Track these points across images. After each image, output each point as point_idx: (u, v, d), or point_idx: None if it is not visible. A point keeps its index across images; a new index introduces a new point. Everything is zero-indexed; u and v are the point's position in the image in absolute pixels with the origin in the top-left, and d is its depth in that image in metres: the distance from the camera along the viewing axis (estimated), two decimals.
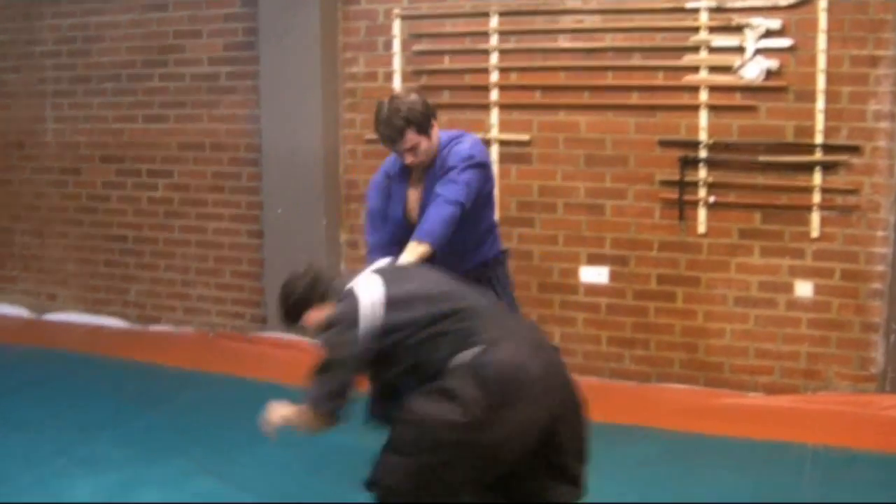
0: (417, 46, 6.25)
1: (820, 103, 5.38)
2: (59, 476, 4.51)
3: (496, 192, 5.89)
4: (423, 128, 4.07)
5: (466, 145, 4.17)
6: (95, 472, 4.55)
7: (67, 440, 4.96)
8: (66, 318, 7.55)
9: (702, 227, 5.70)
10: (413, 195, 4.26)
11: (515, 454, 3.29)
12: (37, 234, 7.75)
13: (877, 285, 5.45)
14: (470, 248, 4.28)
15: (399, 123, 4.03)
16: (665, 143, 5.72)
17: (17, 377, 6.13)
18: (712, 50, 5.58)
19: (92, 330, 7.25)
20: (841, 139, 5.40)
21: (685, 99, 5.65)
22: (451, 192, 4.05)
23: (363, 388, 3.62)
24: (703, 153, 5.63)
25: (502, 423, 3.19)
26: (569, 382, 3.44)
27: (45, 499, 4.26)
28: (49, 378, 6.09)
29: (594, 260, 5.96)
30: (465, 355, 3.26)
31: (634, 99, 5.75)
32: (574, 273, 6.01)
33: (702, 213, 5.69)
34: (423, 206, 4.16)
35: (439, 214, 4.02)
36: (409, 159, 4.15)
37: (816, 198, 5.46)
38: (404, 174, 4.27)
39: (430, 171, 4.20)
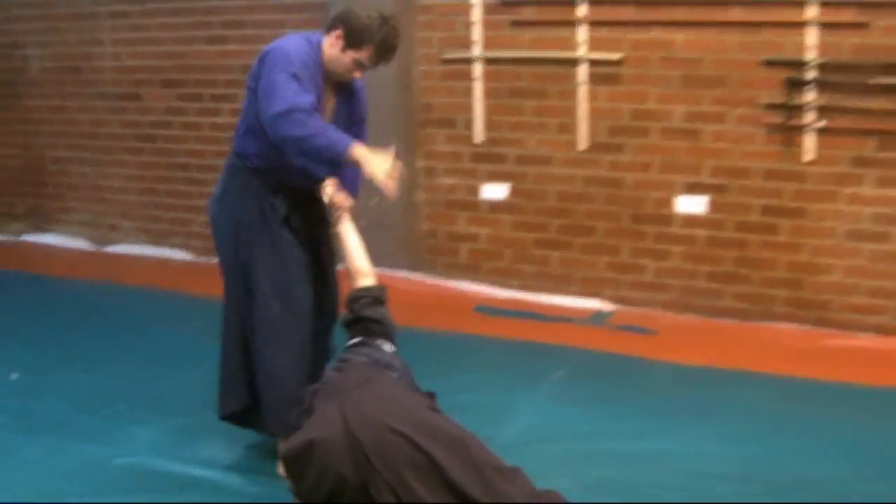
0: None
1: None
2: (118, 420, 4.48)
3: (584, 115, 5.74)
4: None
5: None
6: (157, 416, 4.51)
7: (129, 382, 4.94)
8: (128, 251, 7.58)
9: (809, 154, 5.47)
10: (325, 114, 3.89)
11: None
12: (96, 163, 7.76)
13: None
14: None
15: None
16: (770, 63, 5.50)
17: (77, 312, 6.17)
18: None
19: (155, 263, 7.17)
20: None
21: (792, 14, 5.41)
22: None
23: None
24: (811, 74, 5.40)
25: None
26: None
27: (105, 445, 4.21)
28: (110, 313, 6.11)
29: (691, 189, 5.79)
30: None
31: (736, 14, 5.54)
32: (669, 203, 5.85)
33: (809, 139, 5.47)
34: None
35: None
36: (357, 75, 3.84)
37: None
38: (315, 84, 3.76)
39: (343, 90, 3.94)
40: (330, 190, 3.88)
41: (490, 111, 6.19)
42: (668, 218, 5.85)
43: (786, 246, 5.59)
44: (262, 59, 3.72)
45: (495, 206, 6.29)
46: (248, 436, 4.18)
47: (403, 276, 6.42)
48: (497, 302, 6.09)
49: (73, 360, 5.22)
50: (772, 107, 5.48)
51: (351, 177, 4.04)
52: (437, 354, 5.30)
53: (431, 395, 3.53)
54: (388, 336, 3.72)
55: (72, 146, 7.77)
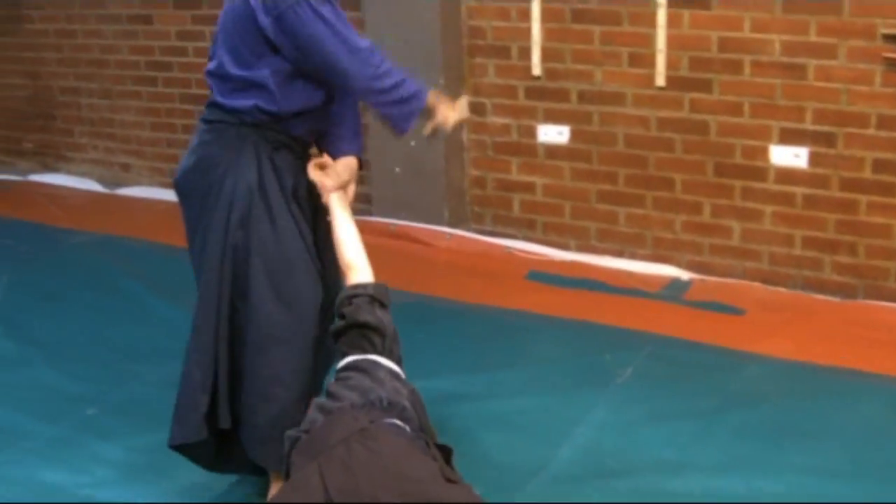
0: None
1: None
2: (84, 433, 3.72)
3: (663, 44, 4.91)
4: None
5: None
6: (130, 428, 3.73)
7: (107, 376, 4.19)
8: (141, 194, 6.85)
9: None
10: None
11: None
12: (105, 94, 7.02)
13: None
14: None
15: None
16: None
17: (70, 277, 5.38)
18: None
19: (167, 210, 6.30)
20: None
21: None
22: None
23: None
24: None
25: None
26: None
27: (63, 469, 3.48)
28: (107, 279, 5.28)
29: (790, 137, 4.83)
30: None
31: None
32: (763, 153, 4.91)
33: None
34: None
35: None
36: None
37: None
38: None
39: None
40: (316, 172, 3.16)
41: (550, 37, 5.26)
42: (760, 171, 4.90)
43: None
44: None
45: (554, 151, 5.40)
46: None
47: (444, 231, 5.58)
48: (554, 266, 5.22)
49: (48, 343, 4.47)
50: (894, 39, 4.48)
51: (347, 135, 3.29)
52: (479, 340, 4.48)
53: (446, 452, 2.65)
54: (390, 352, 2.85)
55: (80, 75, 7.02)
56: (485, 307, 4.80)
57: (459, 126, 3.38)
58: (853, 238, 4.78)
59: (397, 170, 5.68)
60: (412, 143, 5.56)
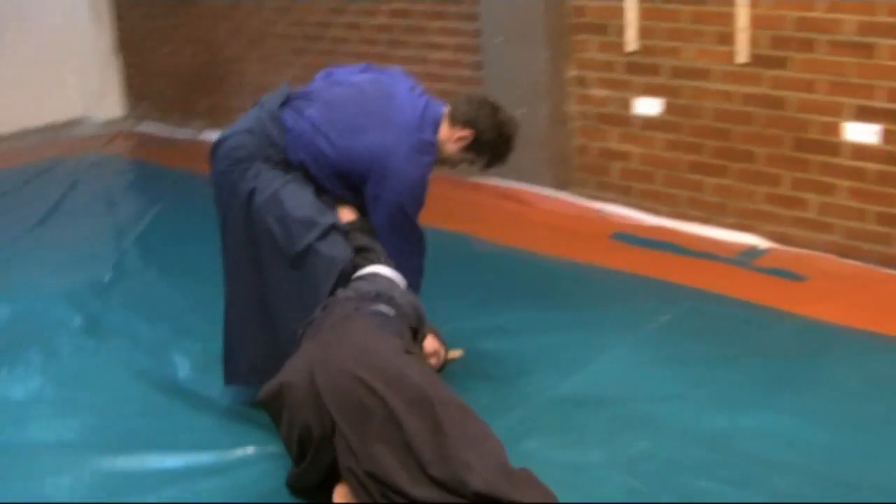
0: None
1: None
2: (178, 334, 4.49)
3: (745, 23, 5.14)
4: None
5: None
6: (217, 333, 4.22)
7: (211, 292, 4.65)
8: None
9: None
10: None
11: None
12: (266, 61, 7.62)
13: None
14: None
15: None
16: None
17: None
18: None
19: None
20: None
21: None
22: None
23: None
24: None
25: None
26: None
27: (153, 357, 4.27)
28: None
29: (863, 114, 4.93)
30: None
31: None
32: (837, 129, 5.03)
33: None
34: None
35: None
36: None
37: None
38: None
39: None
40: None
41: (644, 16, 5.54)
42: (835, 146, 5.02)
43: None
44: (384, 176, 3.63)
45: (649, 123, 5.67)
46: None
47: (547, 194, 5.98)
48: (639, 229, 5.51)
49: (174, 266, 5.29)
50: None
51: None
52: (545, 287, 4.92)
53: (415, 332, 3.33)
54: (387, 263, 3.61)
55: (244, 45, 7.71)
56: (562, 260, 5.17)
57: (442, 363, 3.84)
58: None
59: None
60: (521, 112, 5.95)
